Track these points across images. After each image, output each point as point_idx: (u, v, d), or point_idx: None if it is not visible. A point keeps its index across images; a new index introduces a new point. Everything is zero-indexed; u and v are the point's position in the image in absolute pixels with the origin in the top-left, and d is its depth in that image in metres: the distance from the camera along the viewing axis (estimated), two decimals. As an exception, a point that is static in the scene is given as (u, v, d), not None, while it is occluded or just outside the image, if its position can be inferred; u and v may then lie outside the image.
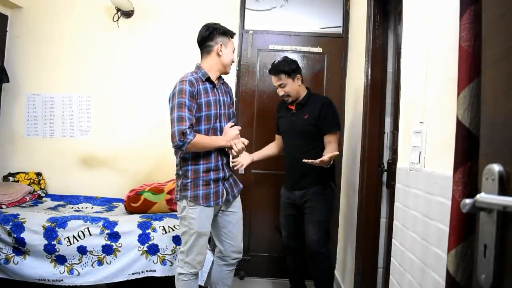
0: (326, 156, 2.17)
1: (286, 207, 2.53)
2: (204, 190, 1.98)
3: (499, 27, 0.70)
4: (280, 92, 2.44)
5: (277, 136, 2.69)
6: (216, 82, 2.08)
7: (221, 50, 2.02)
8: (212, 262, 2.32)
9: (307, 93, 2.49)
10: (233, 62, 2.12)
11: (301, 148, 2.42)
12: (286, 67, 2.40)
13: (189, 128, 1.88)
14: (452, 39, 1.05)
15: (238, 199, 2.22)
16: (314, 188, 2.39)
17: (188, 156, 1.98)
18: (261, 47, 3.27)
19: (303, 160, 2.18)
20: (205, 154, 1.99)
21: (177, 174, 2.06)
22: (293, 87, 2.42)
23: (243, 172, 3.22)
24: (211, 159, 2.00)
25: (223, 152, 2.07)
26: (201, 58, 2.11)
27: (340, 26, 3.27)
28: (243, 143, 2.05)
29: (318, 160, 2.14)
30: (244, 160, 2.39)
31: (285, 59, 2.47)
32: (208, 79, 2.03)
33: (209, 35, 2.02)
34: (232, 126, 2.05)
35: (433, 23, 1.28)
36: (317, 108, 2.39)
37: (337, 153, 2.23)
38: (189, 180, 1.98)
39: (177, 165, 2.05)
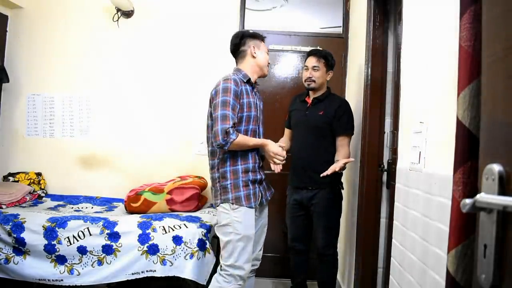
0: (341, 161, 2.22)
1: (292, 208, 2.52)
2: (245, 191, 1.96)
3: (499, 27, 0.70)
4: (309, 74, 2.43)
5: (287, 131, 2.67)
6: (255, 85, 2.13)
7: (255, 52, 2.06)
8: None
9: (326, 91, 2.50)
10: (269, 63, 2.16)
11: (311, 144, 2.42)
12: (330, 57, 2.46)
13: (232, 127, 1.86)
14: (452, 39, 1.05)
15: (267, 206, 2.21)
16: (323, 191, 2.38)
17: (226, 157, 1.97)
18: (261, 47, 3.27)
19: (321, 175, 2.20)
20: (243, 155, 1.99)
21: (212, 177, 2.04)
22: (323, 77, 2.45)
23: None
24: (249, 160, 2.00)
25: (259, 154, 2.09)
26: (237, 64, 2.13)
27: (340, 26, 3.27)
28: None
29: (334, 168, 2.18)
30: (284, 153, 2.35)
31: (331, 52, 2.51)
32: (249, 81, 2.06)
33: (241, 41, 2.07)
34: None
35: (433, 23, 1.28)
36: (334, 106, 2.40)
37: (353, 159, 2.32)
38: (228, 182, 1.96)
39: (212, 168, 2.02)
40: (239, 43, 2.07)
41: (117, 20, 3.20)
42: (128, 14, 3.23)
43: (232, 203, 1.93)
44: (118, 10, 3.17)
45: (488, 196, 0.65)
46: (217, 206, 1.99)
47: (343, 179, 2.54)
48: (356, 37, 2.91)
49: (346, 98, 3.09)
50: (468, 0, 0.85)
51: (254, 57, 2.07)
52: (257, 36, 2.10)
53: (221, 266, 1.96)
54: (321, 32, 3.29)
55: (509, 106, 0.66)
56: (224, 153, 1.96)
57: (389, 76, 2.33)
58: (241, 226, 1.92)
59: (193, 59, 3.23)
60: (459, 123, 0.85)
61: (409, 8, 1.56)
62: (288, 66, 3.28)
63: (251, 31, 2.12)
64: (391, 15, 2.34)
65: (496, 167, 0.65)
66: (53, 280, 2.40)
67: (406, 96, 1.56)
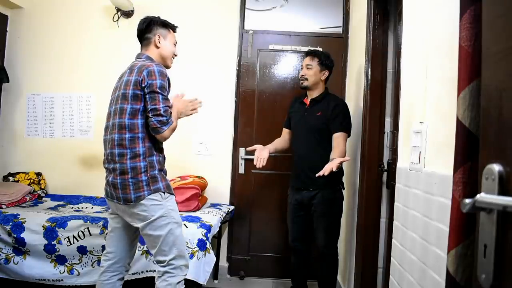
0: (336, 160, 2.18)
1: (293, 209, 2.52)
2: (168, 180, 1.91)
3: (499, 27, 0.70)
4: (303, 72, 2.47)
5: (285, 131, 2.67)
6: None
7: (159, 42, 1.95)
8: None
9: (324, 92, 2.50)
10: (175, 55, 2.04)
11: (311, 145, 2.42)
12: (323, 57, 2.46)
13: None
14: (452, 39, 1.05)
15: None
16: (324, 191, 2.38)
17: (151, 146, 1.84)
18: (261, 47, 3.27)
19: (316, 175, 2.15)
20: (161, 147, 1.92)
21: (133, 167, 1.79)
22: (316, 75, 2.45)
23: (243, 172, 3.23)
24: (163, 152, 1.95)
25: None
26: (141, 49, 2.00)
27: (340, 26, 3.27)
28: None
29: (331, 168, 2.13)
30: (263, 154, 2.37)
31: (328, 53, 2.52)
32: None
33: (147, 27, 1.95)
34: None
35: (433, 23, 1.28)
36: (331, 106, 2.40)
37: (348, 158, 2.30)
38: (156, 171, 1.83)
39: (135, 156, 1.79)
40: (144, 30, 1.95)
41: (117, 20, 3.21)
42: (128, 14, 3.23)
43: (164, 192, 1.82)
44: (118, 10, 3.17)
45: (488, 196, 0.65)
46: (141, 199, 1.77)
47: (343, 179, 2.54)
48: (356, 37, 2.91)
49: (346, 98, 3.10)
50: (468, 0, 0.85)
51: (157, 47, 1.95)
52: (166, 25, 1.99)
53: (163, 265, 1.82)
54: (321, 32, 3.29)
55: (509, 106, 0.66)
56: (149, 142, 1.83)
57: (389, 76, 2.33)
58: (176, 213, 1.86)
59: (192, 59, 3.23)
60: (459, 123, 0.85)
61: (409, 8, 1.56)
62: (288, 66, 3.28)
63: (161, 19, 1.99)
64: (391, 15, 2.34)
65: (496, 167, 0.65)
66: (53, 280, 2.41)
67: (406, 96, 1.56)
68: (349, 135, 2.42)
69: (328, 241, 2.42)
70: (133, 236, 1.95)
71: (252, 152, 2.55)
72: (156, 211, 1.79)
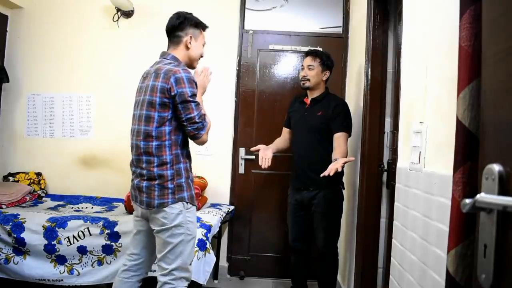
0: (341, 160, 2.16)
1: (293, 209, 2.52)
2: (193, 190, 1.88)
3: (499, 27, 0.70)
4: (304, 73, 2.46)
5: (285, 130, 2.66)
6: None
7: (190, 43, 1.88)
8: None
9: (324, 91, 2.49)
10: (201, 56, 1.98)
11: (311, 145, 2.42)
12: (325, 57, 2.46)
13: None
14: (452, 39, 1.05)
15: None
16: (324, 191, 2.38)
17: (178, 153, 1.81)
18: (261, 47, 3.27)
19: (321, 175, 2.13)
20: (188, 153, 1.90)
21: (160, 174, 1.77)
22: (317, 76, 2.44)
23: (243, 172, 3.23)
24: (190, 158, 1.92)
25: None
26: (168, 49, 1.93)
27: (340, 26, 3.27)
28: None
29: (335, 168, 2.11)
30: (268, 155, 2.36)
31: (329, 54, 2.52)
32: None
33: (180, 25, 1.88)
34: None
35: (433, 23, 1.28)
36: (331, 106, 2.40)
37: (353, 158, 2.30)
38: (183, 180, 1.80)
39: (162, 164, 1.77)
40: (177, 27, 1.88)
41: (117, 20, 3.21)
42: (128, 14, 3.23)
43: (187, 202, 1.80)
44: (118, 10, 3.17)
45: (488, 196, 0.65)
46: (164, 206, 1.76)
47: (343, 179, 2.54)
48: (356, 37, 2.91)
49: (346, 98, 3.10)
50: (468, 0, 0.85)
51: (188, 48, 1.89)
52: (198, 25, 1.92)
53: (164, 273, 1.79)
54: (321, 32, 3.29)
55: (509, 106, 0.66)
56: (176, 149, 1.80)
57: (389, 76, 2.33)
58: (193, 226, 1.83)
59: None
60: (459, 123, 0.85)
61: (409, 8, 1.56)
62: (288, 66, 3.28)
63: (194, 17, 1.93)
64: (391, 15, 2.34)
65: (496, 167, 0.65)
66: (53, 280, 2.41)
67: (406, 96, 1.56)
68: (350, 135, 2.42)
69: (328, 241, 2.42)
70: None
71: (252, 152, 2.54)
72: (175, 219, 1.77)
